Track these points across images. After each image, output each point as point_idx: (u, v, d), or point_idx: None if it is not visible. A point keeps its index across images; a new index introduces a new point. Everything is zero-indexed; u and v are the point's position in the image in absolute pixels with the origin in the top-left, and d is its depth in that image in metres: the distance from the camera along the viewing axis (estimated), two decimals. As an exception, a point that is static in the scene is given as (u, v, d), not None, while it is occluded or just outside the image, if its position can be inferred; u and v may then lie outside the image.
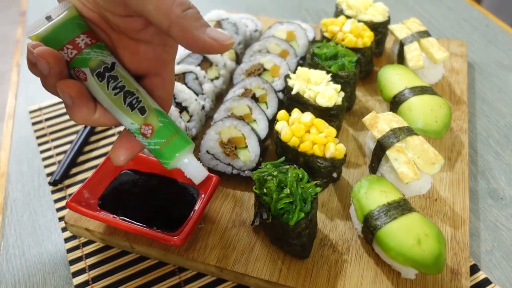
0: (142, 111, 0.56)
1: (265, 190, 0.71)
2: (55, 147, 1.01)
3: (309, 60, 1.01)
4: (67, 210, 0.85)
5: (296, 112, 0.85)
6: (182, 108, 0.93)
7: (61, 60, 0.52)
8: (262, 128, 0.90)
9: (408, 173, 0.78)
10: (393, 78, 0.98)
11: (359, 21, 1.11)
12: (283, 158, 0.76)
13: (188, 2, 0.50)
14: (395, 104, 0.95)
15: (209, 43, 0.50)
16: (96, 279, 0.77)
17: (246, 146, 0.86)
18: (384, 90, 0.99)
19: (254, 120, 0.91)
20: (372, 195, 0.74)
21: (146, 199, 0.80)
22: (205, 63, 1.02)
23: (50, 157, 0.99)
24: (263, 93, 0.96)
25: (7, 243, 0.83)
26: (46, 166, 0.97)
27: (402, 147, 0.81)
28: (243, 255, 0.75)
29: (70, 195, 0.90)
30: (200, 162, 0.89)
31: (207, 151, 0.87)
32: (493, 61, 1.21)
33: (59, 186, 0.92)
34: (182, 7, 0.49)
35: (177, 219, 0.76)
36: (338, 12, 1.16)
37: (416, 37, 1.06)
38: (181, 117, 0.89)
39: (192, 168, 0.60)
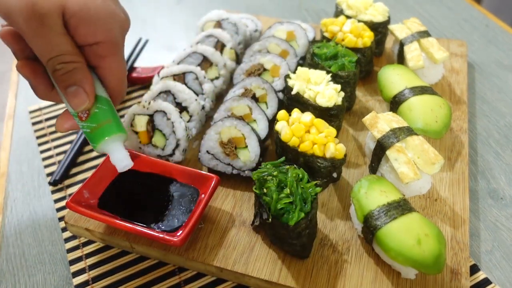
0: None
1: (265, 190, 0.71)
2: (55, 147, 1.01)
3: (309, 60, 1.01)
4: (67, 210, 0.85)
5: (296, 112, 0.85)
6: (182, 108, 0.93)
7: (21, 41, 0.59)
8: (262, 128, 0.90)
9: (408, 173, 0.78)
10: (393, 78, 0.98)
11: (359, 21, 1.11)
12: (283, 158, 0.76)
13: (61, 59, 0.58)
14: (395, 104, 0.95)
15: (67, 99, 0.61)
16: (96, 279, 0.77)
17: (246, 146, 0.86)
18: (384, 90, 0.99)
19: (254, 120, 0.91)
20: (372, 195, 0.74)
21: (146, 199, 0.80)
22: (205, 63, 1.02)
23: (50, 157, 0.99)
24: (263, 93, 0.96)
25: (7, 243, 0.83)
26: (46, 166, 0.97)
27: (402, 147, 0.81)
28: (243, 255, 0.75)
29: (70, 195, 0.90)
30: (201, 162, 0.89)
31: (207, 151, 0.87)
32: (493, 61, 1.21)
33: (59, 186, 0.92)
34: (52, 66, 0.58)
35: (177, 219, 0.76)
36: (338, 12, 1.16)
37: (416, 37, 1.06)
38: (181, 117, 0.89)
39: (116, 155, 0.66)
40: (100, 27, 0.59)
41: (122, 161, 0.66)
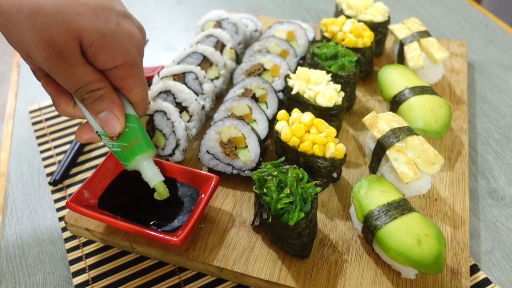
0: None
1: (265, 190, 0.71)
2: (55, 147, 1.01)
3: (309, 60, 1.01)
4: (67, 210, 0.85)
5: (296, 112, 0.85)
6: (182, 108, 0.93)
7: None
8: (262, 128, 0.90)
9: (408, 173, 0.78)
10: (393, 78, 0.98)
11: (359, 21, 1.11)
12: (283, 158, 0.76)
13: (87, 89, 0.60)
14: (395, 104, 0.95)
15: (101, 124, 0.64)
16: (96, 279, 0.77)
17: (246, 146, 0.86)
18: (384, 90, 0.99)
19: (254, 120, 0.91)
20: (372, 195, 0.74)
21: (146, 199, 0.80)
22: (205, 63, 1.02)
23: (50, 157, 0.99)
24: (263, 93, 0.96)
25: (7, 243, 0.83)
26: (46, 166, 0.97)
27: (402, 147, 0.81)
28: (243, 255, 0.75)
29: (70, 195, 0.90)
30: (201, 162, 0.88)
31: (207, 151, 0.87)
32: (493, 61, 1.21)
33: (59, 186, 0.92)
34: (81, 95, 0.61)
35: (177, 219, 0.76)
36: (338, 12, 1.16)
37: (416, 37, 1.06)
38: (181, 117, 0.89)
39: (148, 172, 0.68)
40: (117, 52, 0.59)
41: (154, 178, 0.69)
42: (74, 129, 1.04)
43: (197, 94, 0.97)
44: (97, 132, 0.66)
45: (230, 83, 1.08)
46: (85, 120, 0.68)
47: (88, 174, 0.93)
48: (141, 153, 0.66)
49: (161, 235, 0.71)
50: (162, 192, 0.71)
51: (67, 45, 0.55)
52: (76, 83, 0.59)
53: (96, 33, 0.56)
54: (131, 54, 0.61)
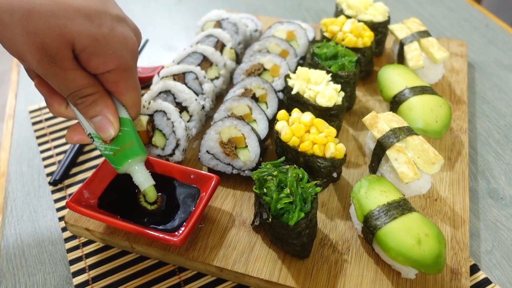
0: None
1: (265, 190, 0.71)
2: (55, 147, 1.01)
3: (309, 60, 1.01)
4: (67, 210, 0.85)
5: (296, 112, 0.85)
6: (182, 108, 0.93)
7: None
8: (262, 128, 0.90)
9: (408, 173, 0.78)
10: (393, 78, 0.98)
11: (359, 21, 1.11)
12: (283, 158, 0.76)
13: (79, 94, 0.60)
14: (395, 104, 0.95)
15: (95, 129, 0.64)
16: (96, 279, 0.77)
17: (246, 146, 0.86)
18: (384, 90, 0.99)
19: (254, 120, 0.91)
20: (372, 195, 0.74)
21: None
22: (205, 63, 1.02)
23: (50, 157, 0.99)
24: (263, 93, 0.96)
25: (7, 243, 0.83)
26: (46, 166, 0.97)
27: (402, 147, 0.81)
28: (243, 255, 0.75)
29: (70, 195, 0.90)
30: (200, 162, 0.88)
31: (207, 151, 0.87)
32: (493, 61, 1.21)
33: (59, 186, 0.92)
34: (74, 99, 0.61)
35: (177, 218, 0.76)
36: (338, 12, 1.16)
37: (416, 37, 1.06)
38: (181, 117, 0.89)
39: (139, 176, 0.68)
40: (110, 56, 0.59)
41: (146, 182, 0.69)
42: (74, 129, 1.04)
43: (197, 94, 0.97)
44: (89, 134, 0.66)
45: (230, 83, 1.08)
46: (76, 121, 0.67)
47: (88, 174, 0.93)
48: (133, 157, 0.66)
49: (161, 235, 0.71)
50: (151, 196, 0.72)
51: (59, 50, 0.55)
52: (68, 87, 0.59)
53: (88, 38, 0.56)
54: (124, 58, 0.61)
